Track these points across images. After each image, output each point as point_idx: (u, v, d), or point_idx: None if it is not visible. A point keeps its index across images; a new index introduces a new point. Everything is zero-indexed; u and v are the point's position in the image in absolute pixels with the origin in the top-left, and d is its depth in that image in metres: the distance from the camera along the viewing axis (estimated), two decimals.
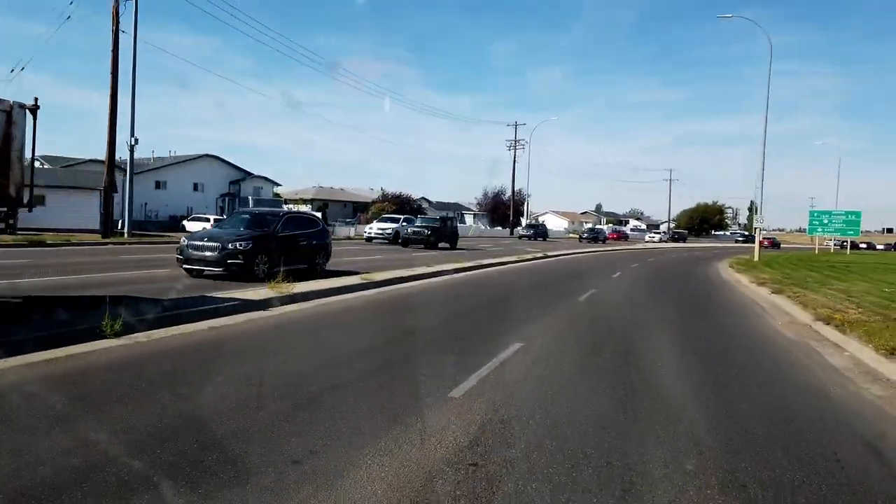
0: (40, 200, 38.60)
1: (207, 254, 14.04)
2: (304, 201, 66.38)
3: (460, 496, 3.66)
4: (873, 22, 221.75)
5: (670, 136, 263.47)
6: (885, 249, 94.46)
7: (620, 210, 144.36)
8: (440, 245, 34.90)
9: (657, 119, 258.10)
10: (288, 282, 11.94)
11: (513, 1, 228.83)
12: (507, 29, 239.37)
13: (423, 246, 33.85)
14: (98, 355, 6.73)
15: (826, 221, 52.18)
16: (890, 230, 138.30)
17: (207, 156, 54.80)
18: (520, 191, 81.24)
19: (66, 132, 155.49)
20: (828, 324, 10.65)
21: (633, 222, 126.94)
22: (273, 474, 3.85)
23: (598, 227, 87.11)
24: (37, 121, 9.17)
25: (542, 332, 9.59)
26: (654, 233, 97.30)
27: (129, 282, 13.32)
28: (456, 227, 39.97)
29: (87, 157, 50.01)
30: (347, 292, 13.03)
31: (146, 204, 46.39)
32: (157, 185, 49.85)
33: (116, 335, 7.37)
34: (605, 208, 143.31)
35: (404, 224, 38.43)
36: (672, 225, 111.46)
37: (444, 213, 52.53)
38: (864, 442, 5.10)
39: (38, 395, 5.33)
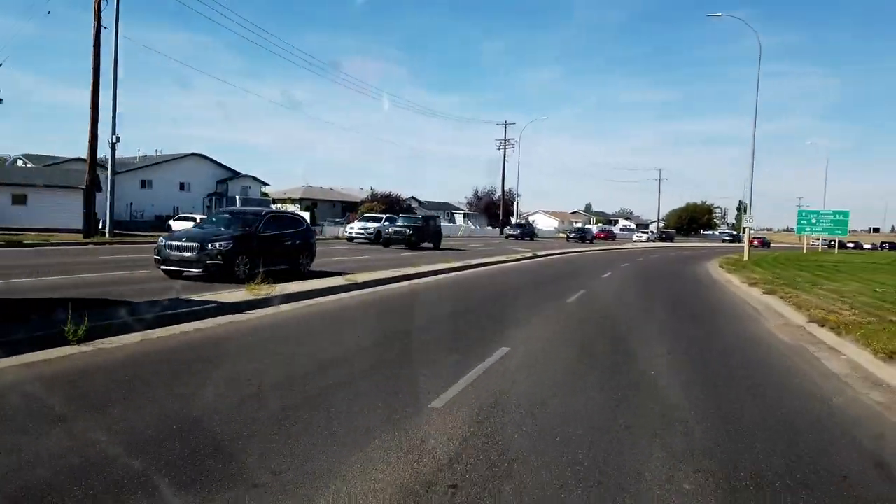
0: (22, 200, 38.28)
1: (186, 254, 13.62)
2: (293, 201, 65.79)
3: None
4: (863, 23, 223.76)
5: (661, 135, 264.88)
6: (871, 249, 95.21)
7: (610, 209, 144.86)
8: (423, 245, 34.20)
9: (648, 119, 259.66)
10: (269, 283, 11.58)
11: (503, 0, 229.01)
12: (498, 28, 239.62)
13: (404, 246, 33.23)
14: (57, 363, 6.31)
15: (814, 221, 52.39)
16: (877, 230, 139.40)
17: (194, 155, 54.05)
18: (510, 190, 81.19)
19: (51, 131, 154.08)
20: (822, 326, 10.39)
21: (622, 222, 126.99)
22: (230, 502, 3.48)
23: (585, 226, 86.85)
24: None
25: (530, 336, 9.24)
26: (642, 232, 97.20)
27: (104, 283, 12.87)
28: (439, 226, 39.16)
29: (72, 156, 49.33)
30: (330, 294, 12.64)
31: (132, 203, 45.64)
32: (143, 184, 49.07)
33: (80, 341, 6.95)
34: (595, 208, 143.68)
35: (386, 223, 37.13)
36: (661, 224, 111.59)
37: (427, 213, 51.92)
38: (867, 452, 4.80)
39: None
